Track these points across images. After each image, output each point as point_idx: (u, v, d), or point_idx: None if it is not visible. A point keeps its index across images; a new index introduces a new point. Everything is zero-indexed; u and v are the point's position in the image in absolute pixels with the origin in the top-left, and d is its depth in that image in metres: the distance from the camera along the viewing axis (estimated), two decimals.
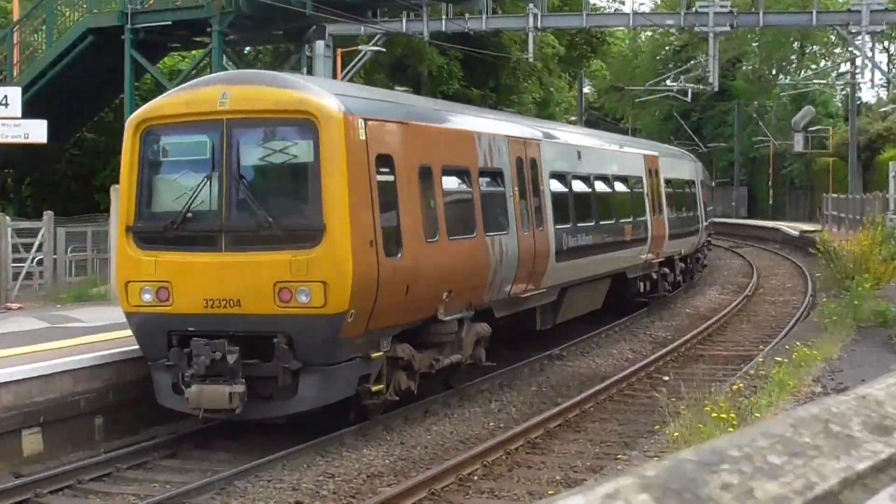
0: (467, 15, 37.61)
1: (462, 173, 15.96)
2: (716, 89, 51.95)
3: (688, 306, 28.89)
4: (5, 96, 22.79)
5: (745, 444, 1.92)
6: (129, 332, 14.06)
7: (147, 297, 13.20)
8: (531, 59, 46.02)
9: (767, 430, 2.06)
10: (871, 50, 41.14)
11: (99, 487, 11.99)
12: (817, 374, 14.96)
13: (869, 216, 34.57)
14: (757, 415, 11.54)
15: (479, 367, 16.67)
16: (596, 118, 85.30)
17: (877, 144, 57.15)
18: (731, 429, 10.27)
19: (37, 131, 23.03)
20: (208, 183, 13.15)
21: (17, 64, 30.15)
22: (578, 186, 21.39)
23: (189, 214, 13.16)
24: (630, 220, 24.72)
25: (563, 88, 61.04)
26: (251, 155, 13.28)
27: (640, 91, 68.48)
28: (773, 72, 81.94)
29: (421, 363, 14.60)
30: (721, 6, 37.67)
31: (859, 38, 37.70)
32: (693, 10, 39.20)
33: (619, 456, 12.48)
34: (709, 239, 38.14)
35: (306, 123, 12.81)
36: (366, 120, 13.19)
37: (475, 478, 11.95)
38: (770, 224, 62.28)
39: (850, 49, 56.19)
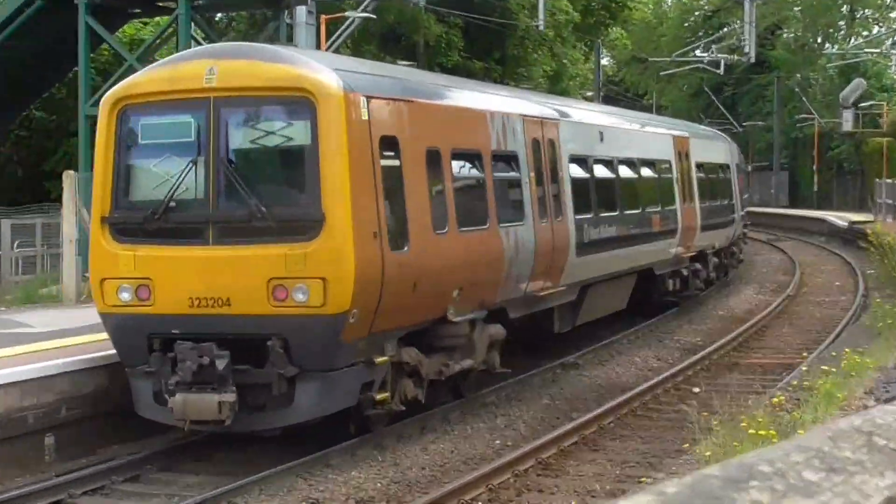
0: None
1: (473, 157, 16.21)
2: (752, 60, 52.00)
3: (721, 307, 28.97)
4: None
5: (778, 459, 1.95)
6: (85, 338, 14.14)
7: (125, 295, 13.40)
8: (541, 27, 46.00)
9: (803, 444, 2.08)
10: None
11: None
12: (870, 385, 14.96)
13: None
14: (801, 432, 11.58)
15: (492, 374, 16.93)
16: (615, 94, 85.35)
17: None
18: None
19: None
20: (193, 168, 13.35)
21: None
22: (601, 171, 21.67)
23: (172, 204, 13.35)
24: (658, 209, 24.98)
25: (578, 60, 61.11)
26: (241, 137, 13.51)
27: (666, 63, 68.42)
28: (819, 40, 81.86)
29: (429, 369, 14.85)
30: None
31: None
32: None
33: (642, 478, 12.57)
34: (745, 231, 38.16)
35: (302, 102, 13.02)
36: (368, 98, 13.42)
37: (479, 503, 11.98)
38: (815, 214, 62.29)
39: None
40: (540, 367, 19.11)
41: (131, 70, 28.31)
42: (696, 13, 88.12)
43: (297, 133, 13.24)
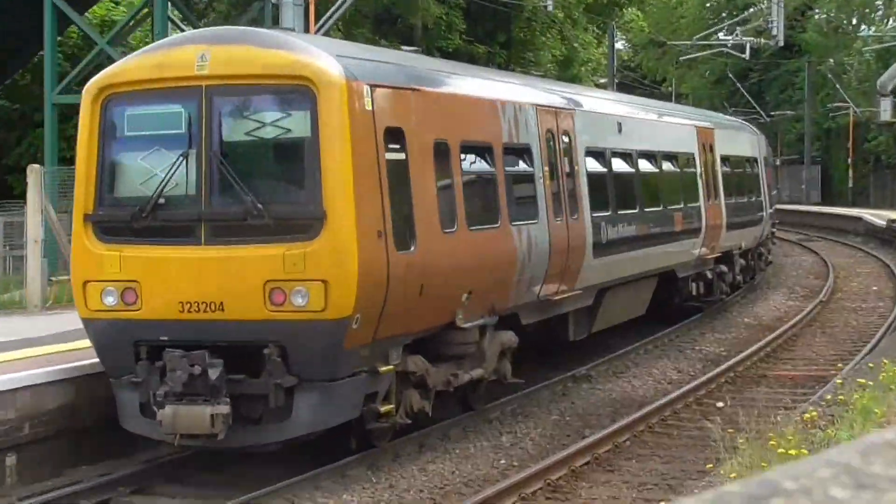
0: None
1: (484, 150, 16.44)
2: (781, 44, 52.06)
3: (747, 314, 29.06)
4: None
5: (803, 475, 1.98)
6: (51, 349, 14.20)
7: (110, 300, 13.54)
8: (550, 8, 46.06)
9: (831, 459, 2.11)
10: None
11: None
12: None
13: None
14: None
15: (503, 385, 17.15)
16: (630, 81, 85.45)
17: None
18: None
19: None
20: (184, 162, 13.49)
21: None
22: (619, 165, 21.92)
23: (161, 200, 13.50)
24: (680, 206, 25.23)
25: (590, 44, 61.13)
26: (236, 129, 13.70)
27: (686, 47, 68.55)
28: (854, 21, 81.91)
29: (436, 379, 15.04)
30: None
31: None
32: None
33: (661, 502, 12.58)
34: (773, 230, 38.26)
35: (302, 91, 13.19)
36: (372, 86, 13.61)
37: None
38: (849, 212, 62.40)
39: None
40: (549, 380, 19.14)
41: (102, 55, 28.43)
42: None
43: (296, 124, 13.40)
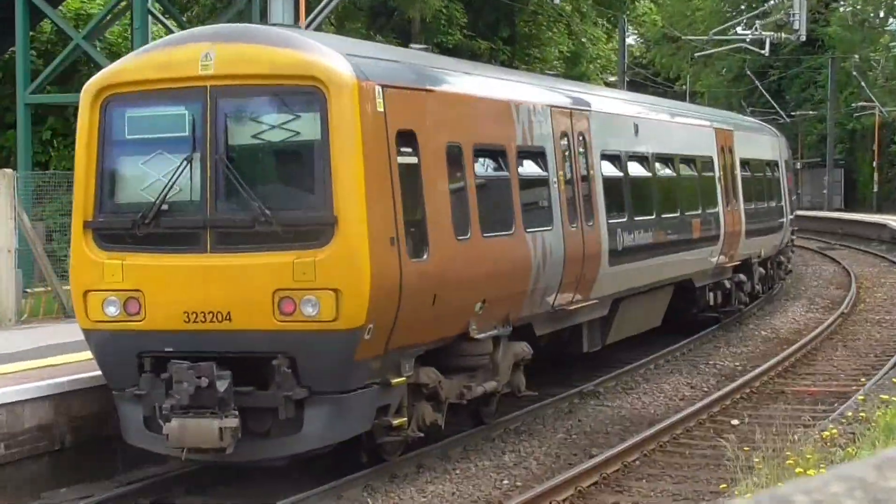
0: None
1: (497, 153, 16.77)
2: (803, 39, 52.10)
3: (764, 326, 29.14)
4: None
5: (816, 489, 2.04)
6: (25, 365, 14.29)
7: (112, 310, 13.80)
8: (557, 1, 46.13)
9: (845, 473, 2.15)
10: None
11: None
12: None
13: None
14: None
15: (517, 398, 17.52)
16: (642, 78, 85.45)
17: None
18: None
19: None
20: (188, 167, 13.71)
21: None
22: (635, 169, 22.33)
23: (164, 206, 13.75)
24: (698, 212, 25.61)
25: (600, 39, 61.21)
26: (242, 131, 13.94)
27: (702, 42, 68.53)
28: (881, 14, 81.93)
29: (449, 392, 15.40)
30: None
31: None
32: None
33: None
34: (792, 237, 38.38)
35: (312, 92, 13.45)
36: (384, 87, 13.89)
37: None
38: (874, 218, 62.43)
39: None
40: (555, 396, 19.19)
41: (78, 50, 28.48)
42: None
43: (306, 127, 13.65)
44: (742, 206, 29.19)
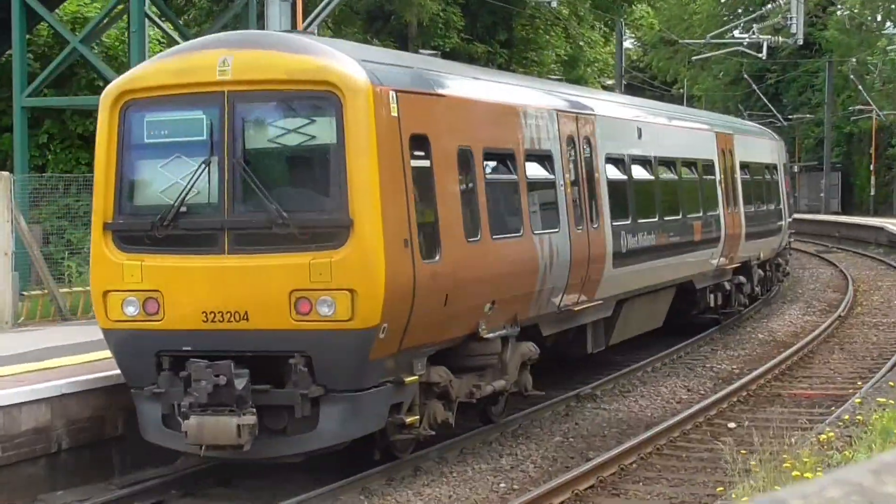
0: None
1: (506, 157, 17.16)
2: (800, 42, 52.17)
3: (761, 329, 29.20)
4: None
5: (813, 493, 2.04)
6: (23, 367, 14.34)
7: (131, 309, 14.15)
8: (555, 4, 46.12)
9: (842, 478, 2.15)
10: None
11: None
12: None
13: None
14: None
15: (524, 397, 17.91)
16: (639, 82, 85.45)
17: None
18: None
19: None
20: (206, 170, 14.05)
21: None
22: (639, 172, 22.77)
23: (183, 209, 14.08)
24: (700, 215, 26.09)
25: (598, 43, 61.23)
26: (259, 135, 14.28)
27: (700, 46, 68.64)
28: (878, 18, 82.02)
29: (459, 391, 15.78)
30: None
31: None
32: None
33: None
34: (790, 240, 38.58)
35: (327, 97, 13.80)
36: (397, 92, 14.26)
37: None
38: (871, 221, 62.49)
39: None
40: (551, 399, 19.20)
41: (75, 54, 28.46)
42: None
43: (322, 131, 13.98)
44: (742, 208, 29.61)
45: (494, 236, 16.12)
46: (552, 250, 17.79)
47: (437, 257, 14.55)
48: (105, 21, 30.47)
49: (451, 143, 15.34)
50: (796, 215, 46.21)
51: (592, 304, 19.66)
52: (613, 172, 21.13)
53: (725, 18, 79.97)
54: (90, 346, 17.99)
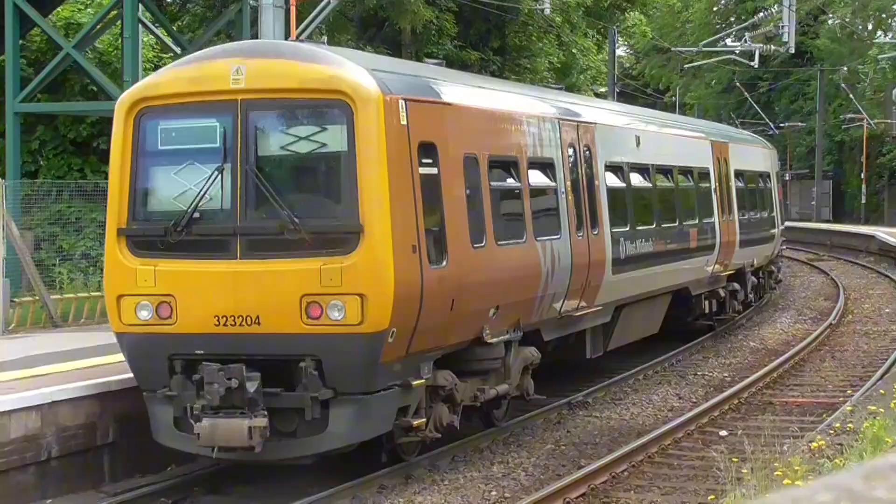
0: None
1: (510, 164, 17.49)
2: (792, 51, 52.24)
3: (752, 337, 29.27)
4: None
5: (803, 498, 2.03)
6: (12, 375, 14.27)
7: (144, 314, 14.43)
8: (547, 11, 46.14)
9: (832, 483, 2.15)
10: None
11: None
12: None
13: None
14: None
15: (526, 401, 18.29)
16: (632, 89, 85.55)
17: None
18: None
19: None
20: (219, 176, 14.37)
21: None
22: (637, 180, 23.17)
23: (196, 215, 14.39)
24: (696, 222, 26.51)
25: (590, 50, 61.25)
26: (271, 143, 14.58)
27: (692, 54, 68.72)
28: (869, 27, 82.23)
29: (464, 394, 16.11)
30: None
31: None
32: None
33: None
34: (782, 247, 38.81)
35: (339, 105, 14.12)
36: (406, 100, 14.56)
37: None
38: (862, 229, 62.61)
39: None
40: (543, 406, 19.20)
41: (68, 59, 28.44)
42: None
43: (333, 139, 14.30)
44: (737, 216, 30.01)
45: (499, 242, 16.46)
46: (554, 256, 18.12)
47: (444, 263, 14.86)
48: (98, 27, 30.47)
49: (458, 150, 15.65)
50: (788, 223, 46.37)
51: (592, 309, 20.00)
52: (613, 180, 21.50)
53: (718, 27, 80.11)
54: (81, 353, 18.01)
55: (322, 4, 33.70)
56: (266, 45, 16.23)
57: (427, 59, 21.25)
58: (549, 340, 18.77)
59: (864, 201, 77.69)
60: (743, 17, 76.78)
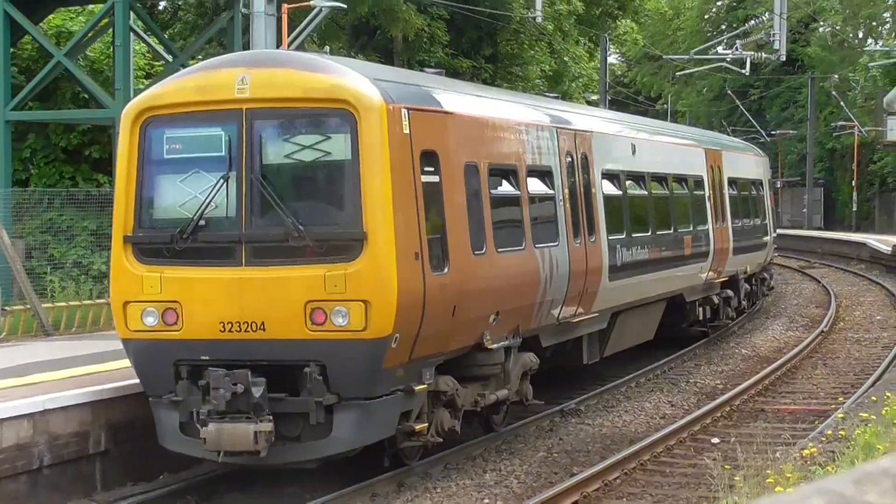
0: None
1: (509, 172, 17.75)
2: (783, 59, 52.32)
3: (744, 345, 29.33)
4: None
5: (795, 503, 2.03)
6: (4, 384, 14.14)
7: (150, 320, 14.64)
8: (539, 19, 46.19)
9: (824, 488, 2.17)
10: None
11: None
12: None
13: None
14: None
15: (525, 406, 18.56)
16: (624, 97, 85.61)
17: None
18: None
19: None
20: (225, 185, 14.58)
21: None
22: (633, 188, 23.51)
23: (202, 222, 14.60)
24: (690, 229, 26.87)
25: (582, 58, 61.31)
26: (276, 151, 14.76)
27: (683, 61, 68.83)
28: (860, 35, 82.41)
29: (465, 399, 16.37)
30: None
31: None
32: None
33: None
34: (774, 254, 38.99)
35: (343, 114, 14.35)
36: (409, 109, 14.81)
37: None
38: (853, 237, 62.72)
39: None
40: (536, 414, 19.22)
41: (59, 67, 28.44)
42: (718, 3, 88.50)
43: (337, 147, 14.49)
44: (730, 223, 30.32)
45: (499, 249, 16.69)
46: (552, 263, 18.37)
47: (446, 269, 15.08)
48: (90, 35, 30.48)
49: (459, 158, 15.89)
50: (779, 231, 46.52)
51: (589, 316, 20.26)
52: (609, 188, 21.77)
53: (709, 34, 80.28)
54: (73, 361, 17.99)
55: (314, 13, 33.73)
56: (270, 55, 16.50)
57: (427, 69, 21.40)
58: (547, 346, 19.01)
59: (855, 209, 77.83)
60: (734, 25, 76.96)
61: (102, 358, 18.31)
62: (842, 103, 76.57)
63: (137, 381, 15.42)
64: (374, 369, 14.12)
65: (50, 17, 32.63)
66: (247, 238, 14.36)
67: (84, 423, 15.21)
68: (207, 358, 14.26)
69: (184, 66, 29.71)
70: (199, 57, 35.28)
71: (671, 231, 25.38)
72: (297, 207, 14.39)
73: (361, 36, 46.72)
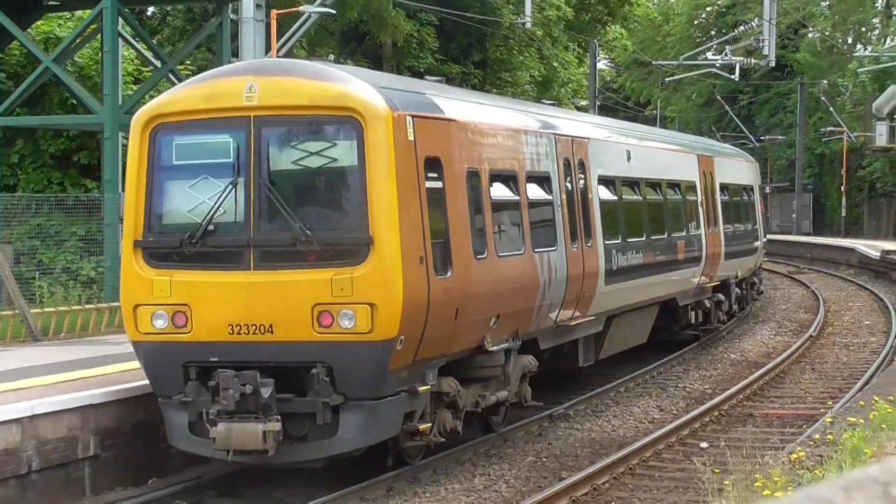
0: None
1: (509, 179, 18.16)
2: (772, 64, 52.51)
3: (733, 350, 29.40)
4: None
5: None
6: None
7: (160, 323, 15.01)
8: (528, 25, 46.24)
9: (812, 494, 2.16)
10: None
11: None
12: None
13: None
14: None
15: (524, 408, 18.97)
16: (613, 103, 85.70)
17: None
18: None
19: None
20: (233, 190, 14.96)
21: None
22: (628, 194, 24.00)
23: (210, 227, 14.96)
24: (683, 234, 27.32)
25: (571, 63, 61.39)
26: (283, 158, 15.14)
27: (673, 67, 68.95)
28: (849, 41, 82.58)
29: (467, 400, 16.76)
30: None
31: None
32: None
33: None
34: (764, 258, 39.22)
35: (349, 122, 14.72)
36: (413, 117, 15.19)
37: None
38: (842, 242, 62.83)
39: None
40: (525, 419, 19.23)
41: (47, 73, 28.39)
42: (708, 9, 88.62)
43: (343, 154, 14.87)
44: (722, 228, 30.76)
45: (500, 254, 17.11)
46: (551, 268, 18.77)
47: (449, 273, 15.46)
48: (78, 40, 30.44)
49: (461, 165, 16.27)
50: (769, 236, 46.67)
51: (586, 319, 20.66)
52: (605, 193, 22.20)
53: (698, 40, 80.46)
54: (61, 366, 17.97)
55: (303, 18, 33.71)
56: (278, 63, 16.95)
57: (428, 77, 21.60)
58: (545, 349, 19.38)
59: (844, 214, 78.01)
60: (723, 31, 77.15)
61: (91, 363, 18.34)
62: (831, 109, 76.78)
63: (126, 386, 15.60)
64: (380, 371, 14.49)
65: (38, 22, 32.59)
66: (255, 242, 14.72)
67: (73, 428, 15.25)
68: (216, 359, 14.61)
69: (172, 72, 29.77)
70: (188, 62, 35.28)
71: (665, 236, 25.84)
72: (304, 212, 14.76)
73: (350, 41, 46.79)
